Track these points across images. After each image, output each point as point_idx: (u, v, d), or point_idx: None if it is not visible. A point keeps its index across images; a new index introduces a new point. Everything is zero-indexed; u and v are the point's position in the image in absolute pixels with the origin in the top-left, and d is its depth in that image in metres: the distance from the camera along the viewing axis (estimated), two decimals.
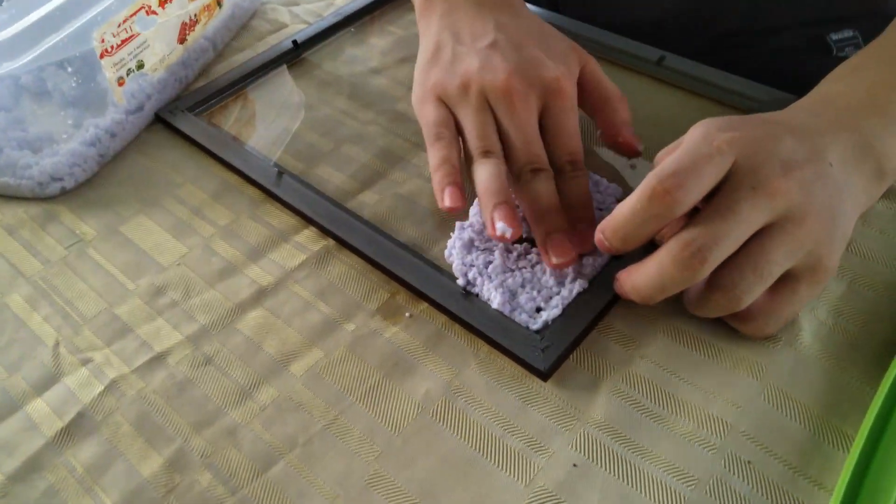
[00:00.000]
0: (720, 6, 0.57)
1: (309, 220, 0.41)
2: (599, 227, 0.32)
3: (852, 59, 0.39)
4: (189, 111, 0.48)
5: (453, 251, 0.37)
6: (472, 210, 0.39)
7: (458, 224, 0.38)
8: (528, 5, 0.54)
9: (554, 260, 0.35)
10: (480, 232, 0.38)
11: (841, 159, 0.32)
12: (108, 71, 0.43)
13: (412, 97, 0.41)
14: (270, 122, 0.48)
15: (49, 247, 0.41)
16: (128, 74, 0.45)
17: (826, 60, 0.59)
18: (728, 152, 0.29)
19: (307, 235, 0.40)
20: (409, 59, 0.52)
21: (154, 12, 0.45)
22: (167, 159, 0.46)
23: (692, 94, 0.47)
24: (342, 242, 0.39)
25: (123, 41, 0.43)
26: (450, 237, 0.38)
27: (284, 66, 0.52)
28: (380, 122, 0.47)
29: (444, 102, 0.39)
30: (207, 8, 0.51)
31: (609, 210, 0.38)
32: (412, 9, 0.57)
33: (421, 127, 0.39)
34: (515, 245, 0.37)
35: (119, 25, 0.43)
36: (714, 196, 0.30)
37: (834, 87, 0.37)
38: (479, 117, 0.37)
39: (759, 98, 0.45)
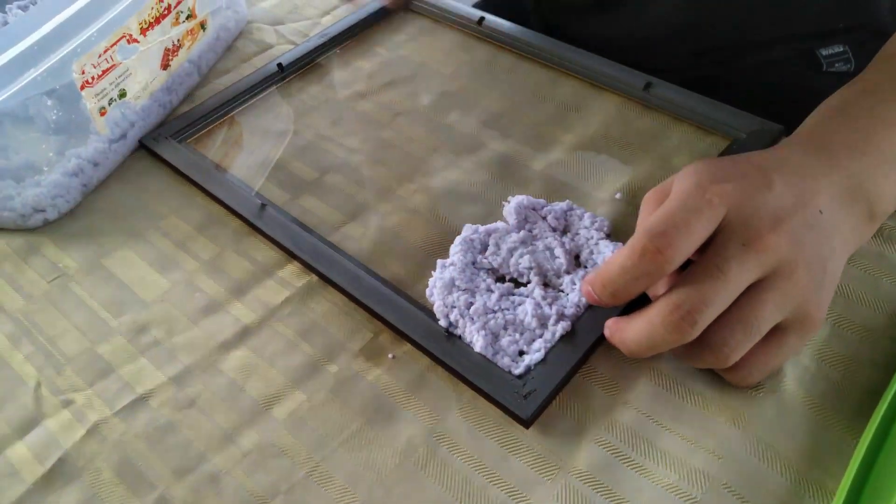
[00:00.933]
0: (710, 20, 0.57)
1: (292, 255, 0.40)
2: (588, 279, 0.32)
3: (844, 92, 0.39)
4: (173, 138, 0.47)
5: (434, 290, 0.37)
6: (453, 248, 0.39)
7: (439, 262, 0.38)
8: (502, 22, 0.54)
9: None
10: (462, 270, 0.37)
11: (831, 203, 0.32)
12: (90, 102, 0.43)
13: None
14: (254, 150, 0.47)
15: (31, 281, 0.41)
16: (110, 104, 0.44)
17: (816, 76, 0.60)
18: (719, 206, 0.29)
19: (291, 270, 0.40)
20: (395, 82, 0.52)
21: (135, 40, 0.45)
22: (151, 188, 0.46)
23: (678, 120, 0.47)
24: (325, 279, 0.39)
25: (104, 71, 0.43)
26: (432, 275, 0.38)
27: (268, 90, 0.52)
28: (365, 150, 0.47)
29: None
30: (191, 32, 0.50)
31: (595, 250, 0.38)
32: (397, 30, 0.56)
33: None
34: (497, 284, 0.37)
35: (99, 56, 0.42)
36: (705, 249, 0.30)
37: (825, 124, 0.37)
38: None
39: (745, 128, 0.45)
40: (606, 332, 0.33)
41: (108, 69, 0.43)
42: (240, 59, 0.55)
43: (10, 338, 0.38)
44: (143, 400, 0.35)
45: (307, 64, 0.54)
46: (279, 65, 0.52)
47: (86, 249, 0.42)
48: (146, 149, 0.47)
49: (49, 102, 0.41)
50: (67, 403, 0.35)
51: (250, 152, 0.47)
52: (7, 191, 0.42)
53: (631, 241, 0.30)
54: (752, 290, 0.29)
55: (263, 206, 0.42)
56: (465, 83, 0.51)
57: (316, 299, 0.39)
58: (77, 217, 0.44)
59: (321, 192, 0.44)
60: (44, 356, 0.37)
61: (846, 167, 0.33)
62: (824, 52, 0.59)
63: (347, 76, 0.53)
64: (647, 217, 0.33)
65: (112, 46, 0.43)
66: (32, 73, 0.38)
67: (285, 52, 0.55)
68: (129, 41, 0.44)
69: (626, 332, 0.31)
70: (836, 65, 0.60)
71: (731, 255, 0.29)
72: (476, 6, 0.72)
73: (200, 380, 0.35)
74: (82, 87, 0.42)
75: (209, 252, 0.41)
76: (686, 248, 0.29)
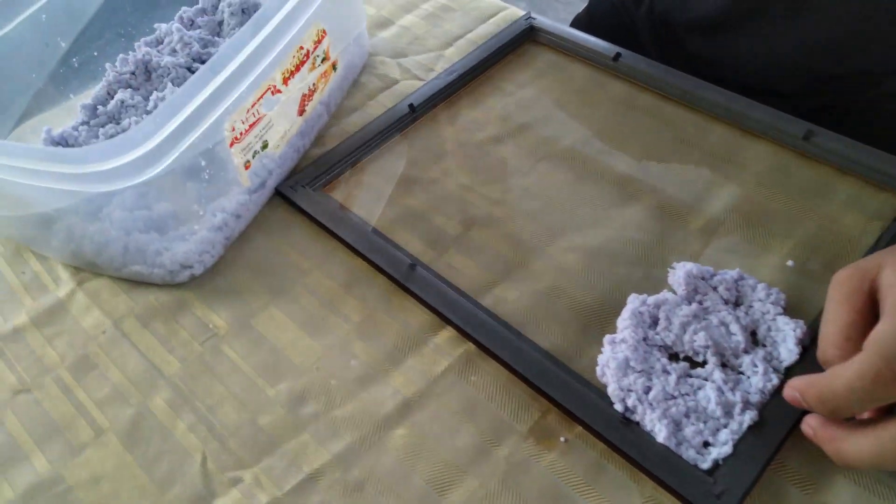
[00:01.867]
0: (840, 46, 0.53)
1: (446, 320, 0.39)
2: (797, 385, 0.30)
3: None
4: (309, 186, 0.47)
5: (607, 371, 0.35)
6: (622, 322, 0.37)
7: (607, 339, 0.36)
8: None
9: None
10: (635, 349, 0.36)
11: None
12: (237, 157, 0.42)
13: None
14: (393, 199, 0.46)
15: (184, 342, 0.40)
16: (254, 157, 0.43)
17: None
18: None
19: (446, 337, 0.39)
20: (531, 124, 0.50)
21: (279, 91, 0.44)
22: (291, 239, 0.45)
23: (844, 173, 0.44)
24: (484, 349, 0.38)
25: (251, 125, 0.42)
26: (600, 351, 0.36)
27: (401, 134, 0.50)
28: (508, 202, 0.45)
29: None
30: (324, 74, 0.49)
31: (773, 327, 0.36)
32: (525, 65, 0.54)
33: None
34: (672, 365, 0.35)
35: (248, 111, 0.41)
36: None
37: None
38: None
39: None
40: (808, 431, 0.31)
41: (254, 123, 0.42)
42: (366, 95, 0.54)
43: (171, 405, 0.38)
44: (311, 480, 0.34)
45: (437, 103, 0.52)
46: (411, 105, 0.51)
47: (233, 307, 0.42)
48: (283, 196, 0.47)
49: (203, 163, 0.40)
50: (236, 482, 0.35)
51: (389, 202, 0.46)
52: (154, 245, 0.42)
53: (861, 361, 0.27)
54: None
55: (412, 266, 0.41)
56: (603, 126, 0.49)
57: (476, 371, 0.37)
58: (221, 271, 0.44)
59: (468, 248, 0.43)
60: (206, 427, 0.37)
61: None
62: None
63: (480, 116, 0.51)
64: (841, 305, 0.31)
65: (259, 100, 0.42)
66: (190, 138, 0.37)
67: (411, 87, 0.54)
68: (273, 93, 0.43)
69: (844, 443, 0.29)
70: None
71: None
72: (576, 24, 0.70)
73: (367, 460, 0.35)
74: (231, 144, 0.41)
75: (359, 313, 0.41)
76: None
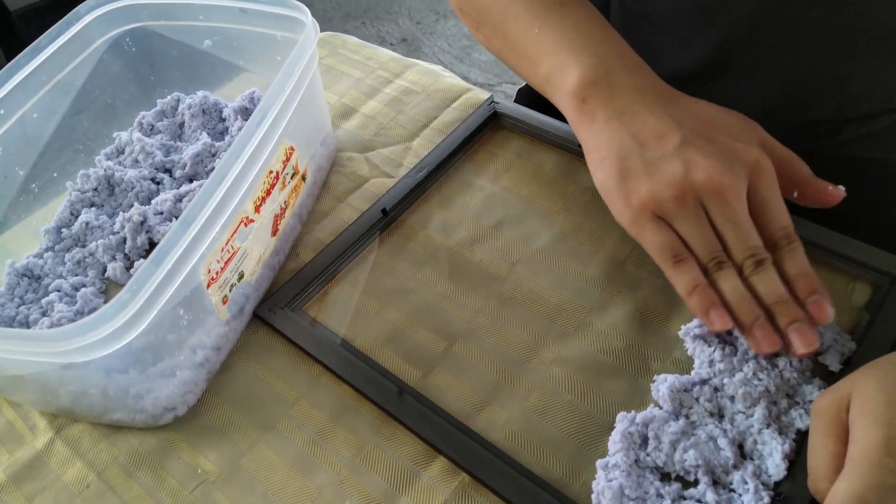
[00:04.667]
0: (814, 96, 0.55)
1: (438, 450, 0.39)
2: None
3: None
4: (287, 307, 0.46)
5: (602, 499, 0.36)
6: (612, 445, 0.37)
7: (600, 464, 0.37)
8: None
9: (802, 350, 0.36)
10: (628, 475, 0.36)
11: None
12: (215, 296, 0.41)
13: (617, 216, 0.40)
14: (373, 314, 0.46)
15: (173, 491, 0.40)
16: (230, 290, 0.43)
17: None
18: None
19: (439, 468, 0.39)
20: (504, 223, 0.50)
21: (251, 220, 0.43)
22: (274, 366, 0.44)
23: (814, 262, 0.45)
24: (479, 480, 0.38)
25: (227, 262, 0.42)
26: (593, 476, 0.37)
27: (374, 238, 0.50)
28: (488, 310, 0.45)
29: (660, 217, 0.39)
30: (295, 188, 0.49)
31: (759, 440, 0.37)
32: (493, 155, 0.55)
33: (645, 247, 0.39)
34: (665, 488, 0.36)
35: (222, 249, 0.41)
36: None
37: None
38: (702, 227, 0.38)
39: (890, 271, 0.43)
40: None
41: (229, 259, 0.42)
42: (336, 198, 0.54)
43: None
44: None
45: (409, 205, 0.52)
46: (383, 210, 0.51)
47: (220, 448, 0.41)
48: (262, 319, 0.46)
49: (181, 311, 0.39)
50: None
51: (369, 317, 0.46)
52: (135, 388, 0.41)
53: None
54: None
55: (400, 392, 0.41)
56: (578, 221, 0.50)
57: None
58: (205, 408, 0.43)
59: (453, 366, 0.43)
60: None
61: None
62: None
63: (453, 217, 0.51)
64: (825, 437, 0.32)
65: (233, 235, 0.41)
66: (169, 292, 0.37)
67: (381, 186, 0.54)
68: (246, 224, 0.43)
69: None
70: None
71: None
72: (526, 93, 0.70)
73: None
74: (209, 286, 0.41)
75: (350, 448, 0.40)
76: None
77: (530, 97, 0.69)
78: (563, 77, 0.43)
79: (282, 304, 0.46)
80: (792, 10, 0.49)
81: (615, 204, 0.40)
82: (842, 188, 0.41)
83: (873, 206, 0.57)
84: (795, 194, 0.41)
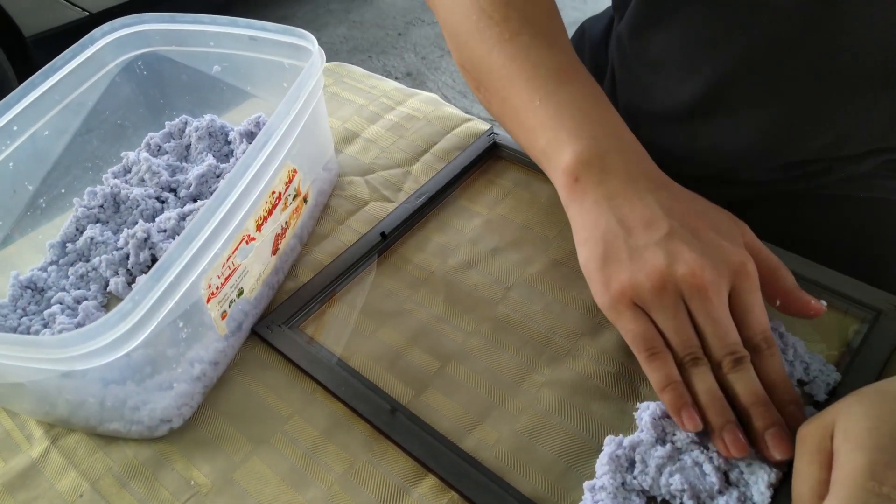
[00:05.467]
0: (802, 134, 0.56)
1: (428, 468, 0.40)
2: None
3: None
4: (285, 324, 0.47)
5: None
6: (600, 467, 0.38)
7: (587, 485, 0.37)
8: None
9: (777, 456, 0.36)
10: (614, 497, 0.37)
11: None
12: (214, 311, 0.42)
13: (597, 298, 0.40)
14: (368, 334, 0.47)
15: (165, 502, 0.40)
16: (230, 306, 0.44)
17: None
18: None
19: (429, 486, 0.39)
20: (500, 249, 0.51)
21: (252, 238, 0.44)
22: (269, 382, 0.45)
23: None
24: (466, 498, 0.38)
25: (227, 278, 0.43)
26: (580, 497, 0.37)
27: (372, 260, 0.51)
28: (482, 332, 0.46)
29: (639, 307, 0.39)
30: (296, 210, 0.50)
31: (744, 468, 0.37)
32: (491, 184, 0.56)
33: (621, 334, 0.40)
34: None
35: (223, 266, 0.42)
36: None
37: None
38: (681, 320, 0.38)
39: (877, 306, 0.44)
40: None
41: (230, 275, 0.43)
42: (336, 220, 0.55)
43: None
44: None
45: (408, 229, 0.53)
46: (382, 234, 0.52)
47: (214, 460, 0.42)
48: (259, 336, 0.47)
49: (181, 324, 0.40)
50: None
51: (364, 337, 0.47)
52: (132, 399, 0.42)
53: None
54: None
55: (393, 411, 0.42)
56: (572, 248, 0.50)
57: None
58: (200, 421, 0.44)
59: (446, 386, 0.44)
60: None
61: None
62: None
63: (450, 241, 0.52)
64: (810, 465, 0.33)
65: (234, 252, 0.43)
66: (169, 304, 0.38)
67: (380, 210, 0.55)
68: (247, 242, 0.44)
69: None
70: None
71: None
72: None
73: None
74: (208, 300, 0.41)
75: (342, 464, 0.41)
76: None
77: None
78: (558, 153, 0.43)
79: (279, 322, 0.47)
80: (778, 53, 0.51)
81: (595, 286, 0.40)
82: (823, 303, 0.41)
83: (863, 243, 0.59)
84: (778, 303, 0.41)
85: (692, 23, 0.54)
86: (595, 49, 0.71)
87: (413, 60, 2.11)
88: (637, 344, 0.38)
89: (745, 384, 0.37)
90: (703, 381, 0.37)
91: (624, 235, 0.40)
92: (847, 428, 0.32)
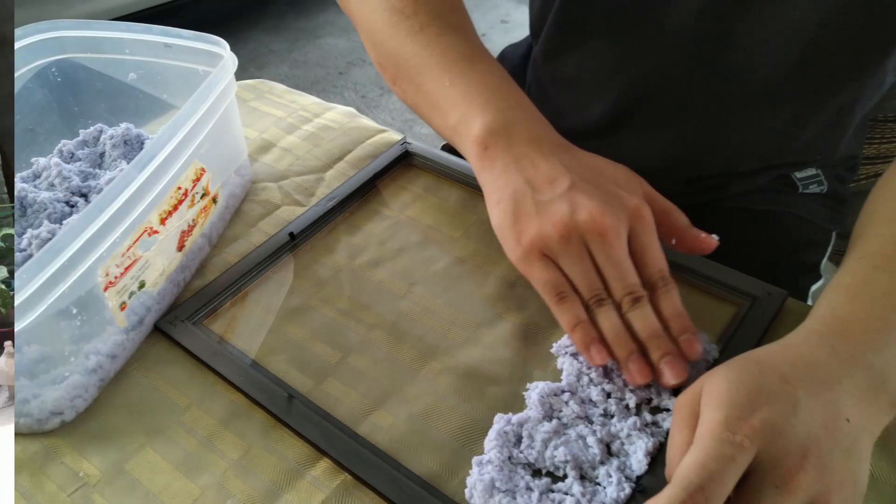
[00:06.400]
0: (702, 153, 0.60)
1: (323, 452, 0.40)
2: None
3: (854, 267, 0.41)
4: (188, 320, 0.47)
5: (474, 493, 0.37)
6: (488, 442, 0.39)
7: (475, 460, 0.38)
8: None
9: (672, 381, 0.39)
10: (500, 469, 0.38)
11: (857, 406, 0.34)
12: (112, 300, 0.42)
13: (509, 254, 0.43)
14: (273, 330, 0.47)
15: (51, 495, 0.39)
16: (130, 297, 0.44)
17: (793, 198, 0.63)
18: (750, 447, 0.31)
19: (323, 468, 0.40)
20: (407, 248, 0.53)
21: (156, 231, 0.45)
22: (169, 376, 0.45)
23: (688, 286, 0.49)
24: (360, 479, 0.39)
25: (126, 268, 0.43)
26: (468, 473, 0.38)
27: (281, 260, 0.52)
28: (384, 326, 0.47)
29: (547, 256, 0.41)
30: (204, 209, 0.51)
31: (624, 440, 0.39)
32: (402, 188, 0.58)
33: (532, 284, 0.42)
34: (535, 481, 0.37)
35: (123, 255, 0.42)
36: (740, 490, 0.31)
37: (844, 307, 0.39)
38: (585, 265, 0.41)
39: (753, 293, 0.47)
40: None
41: (130, 266, 0.43)
42: (247, 223, 0.56)
43: None
44: None
45: (317, 230, 0.54)
46: (291, 234, 0.53)
47: (106, 452, 0.41)
48: (162, 332, 0.47)
49: (74, 311, 0.40)
50: None
51: (268, 332, 0.47)
52: (23, 392, 0.41)
53: (668, 494, 0.30)
54: None
55: (290, 398, 0.42)
56: (475, 247, 0.53)
57: (352, 503, 0.38)
58: (94, 414, 0.43)
59: (345, 375, 0.45)
60: None
61: (869, 364, 0.35)
62: (799, 175, 0.63)
63: (359, 242, 0.54)
64: (682, 430, 0.34)
65: (134, 243, 0.43)
66: (62, 287, 0.38)
67: (292, 213, 0.56)
68: (149, 234, 0.44)
69: None
70: (811, 187, 0.64)
71: (766, 496, 0.30)
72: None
73: None
74: (105, 289, 0.42)
75: (237, 450, 0.41)
76: (722, 495, 0.30)
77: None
78: (468, 127, 0.46)
79: (183, 318, 0.47)
80: (675, 78, 0.55)
81: (508, 243, 0.43)
82: (715, 237, 0.44)
83: (756, 250, 0.62)
84: (674, 241, 0.45)
85: (597, 49, 0.58)
86: (514, 72, 0.75)
87: (353, 98, 2.15)
88: (547, 290, 0.41)
89: (643, 320, 0.40)
90: (608, 319, 0.40)
91: (531, 193, 0.42)
92: (710, 391, 0.34)
